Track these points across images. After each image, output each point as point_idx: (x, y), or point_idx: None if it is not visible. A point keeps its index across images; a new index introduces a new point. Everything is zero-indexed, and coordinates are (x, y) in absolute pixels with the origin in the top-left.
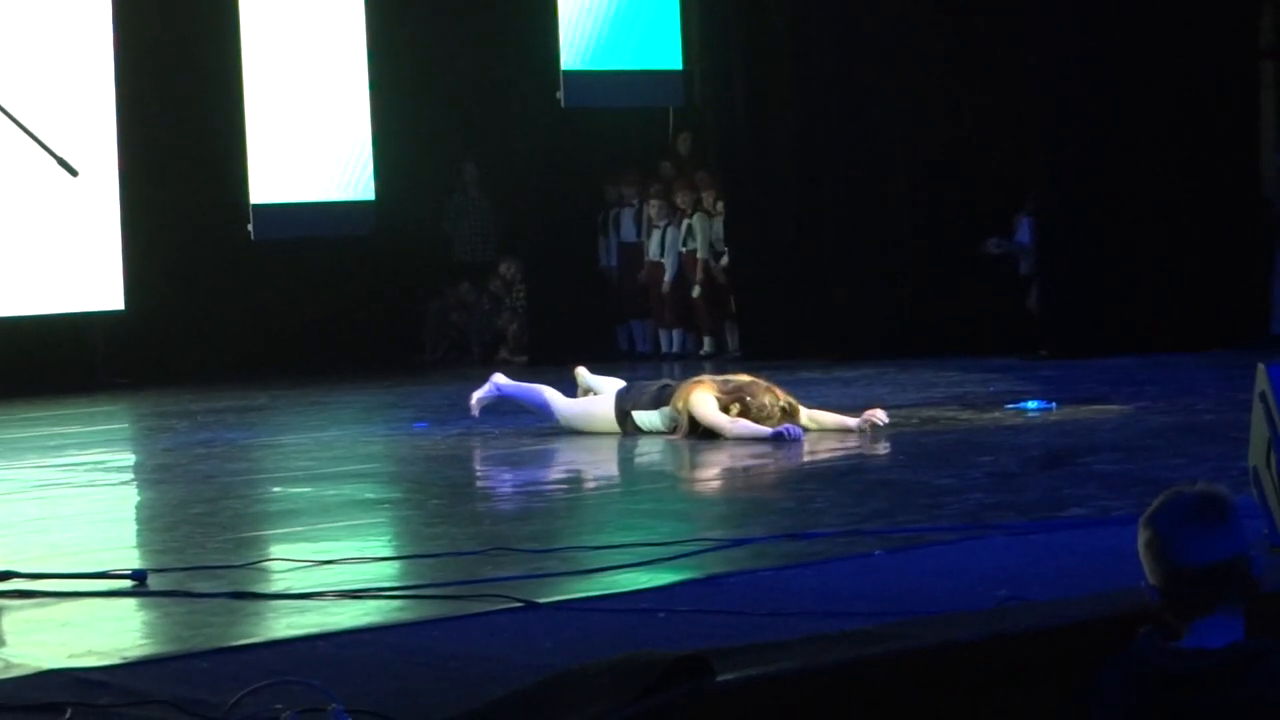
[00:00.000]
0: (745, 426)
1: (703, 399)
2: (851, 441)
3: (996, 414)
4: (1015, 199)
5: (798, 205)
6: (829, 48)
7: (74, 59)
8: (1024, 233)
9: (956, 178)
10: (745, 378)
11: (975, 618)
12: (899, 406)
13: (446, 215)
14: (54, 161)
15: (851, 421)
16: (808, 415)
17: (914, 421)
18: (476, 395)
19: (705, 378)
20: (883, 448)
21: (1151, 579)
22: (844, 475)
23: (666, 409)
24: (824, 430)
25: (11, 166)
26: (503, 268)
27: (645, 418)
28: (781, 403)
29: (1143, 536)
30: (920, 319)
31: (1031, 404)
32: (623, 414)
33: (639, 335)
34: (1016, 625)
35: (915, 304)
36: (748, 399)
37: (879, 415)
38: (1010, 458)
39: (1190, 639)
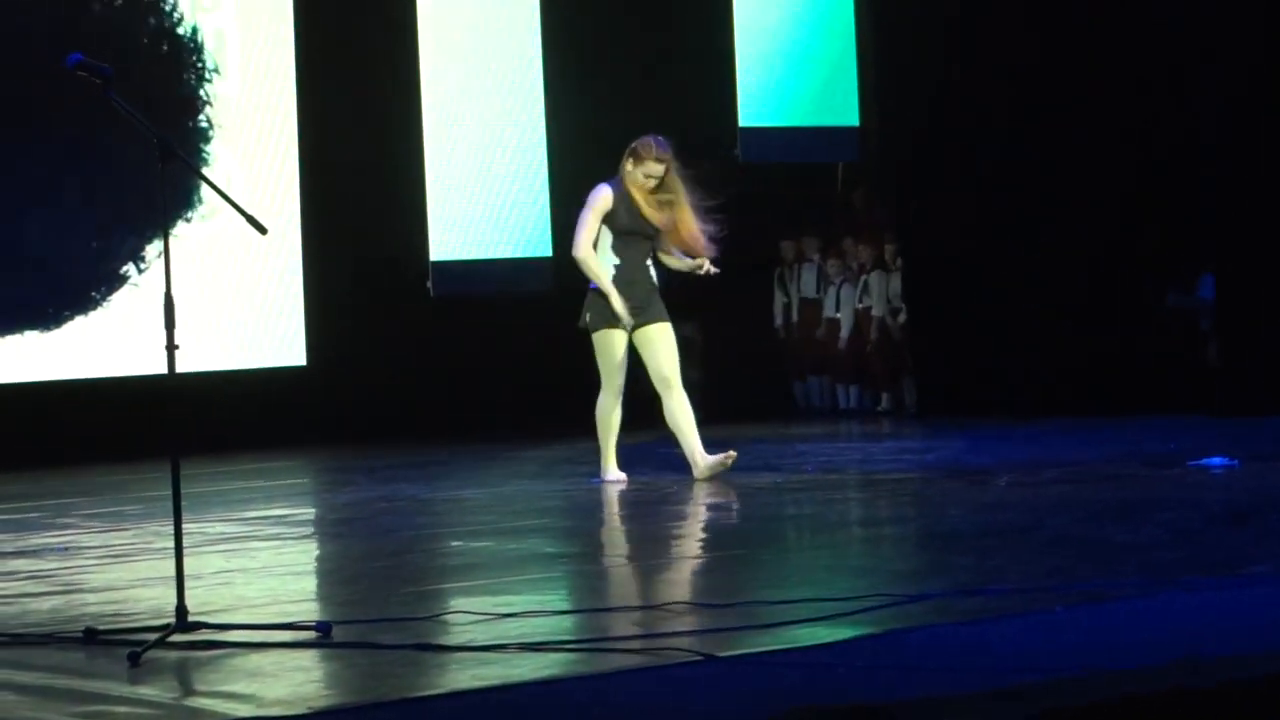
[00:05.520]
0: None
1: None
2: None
3: (1178, 470)
4: (1197, 254)
5: (975, 261)
6: (1006, 103)
7: (260, 119)
8: (1206, 288)
9: (1137, 231)
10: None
11: (1156, 673)
12: (1079, 463)
13: None
14: (244, 220)
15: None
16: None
17: (1094, 478)
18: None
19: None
20: (1062, 504)
21: None
22: (1023, 531)
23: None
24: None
25: (203, 225)
26: (687, 330)
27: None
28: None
29: None
30: (1100, 375)
31: (1215, 461)
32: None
33: (815, 392)
34: (1197, 681)
35: (1094, 360)
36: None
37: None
38: (1192, 514)
39: None
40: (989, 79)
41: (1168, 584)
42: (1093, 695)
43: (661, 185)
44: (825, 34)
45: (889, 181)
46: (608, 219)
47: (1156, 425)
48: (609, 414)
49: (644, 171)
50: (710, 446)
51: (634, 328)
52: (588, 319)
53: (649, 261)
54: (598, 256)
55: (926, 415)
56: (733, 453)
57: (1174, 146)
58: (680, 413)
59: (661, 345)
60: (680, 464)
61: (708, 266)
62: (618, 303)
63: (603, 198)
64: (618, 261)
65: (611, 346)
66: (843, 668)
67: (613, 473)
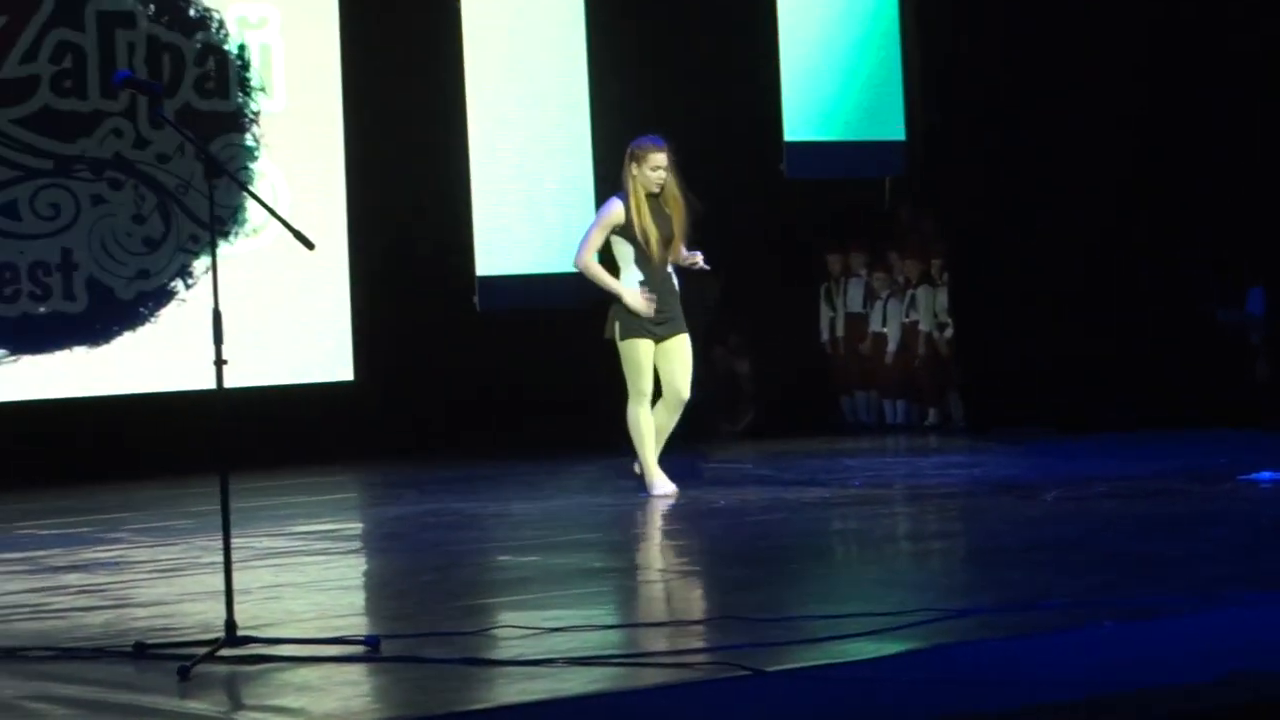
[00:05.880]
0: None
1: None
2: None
3: (1228, 485)
4: (1246, 268)
5: (1022, 276)
6: (1058, 117)
7: (306, 135)
8: (1255, 302)
9: (1186, 248)
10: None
11: (1207, 689)
12: (1127, 478)
13: None
14: (291, 235)
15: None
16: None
17: (1143, 492)
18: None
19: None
20: (1110, 519)
21: None
22: (1073, 546)
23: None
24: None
25: (250, 241)
26: (732, 340)
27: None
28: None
29: None
30: (1148, 390)
31: (1264, 475)
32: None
33: (862, 406)
34: (1248, 696)
35: (1143, 375)
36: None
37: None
38: (1243, 529)
39: None
40: (1041, 92)
41: (1218, 599)
42: (1143, 711)
43: (664, 190)
44: (869, 46)
45: (937, 195)
46: (624, 232)
47: (1206, 439)
48: (641, 422)
49: (650, 166)
50: (756, 459)
51: (659, 339)
52: (617, 328)
53: (670, 269)
54: (623, 273)
55: (974, 430)
56: (676, 499)
57: (1224, 160)
58: (667, 425)
59: (680, 360)
60: (729, 477)
61: (700, 263)
62: (631, 298)
63: (613, 211)
64: (642, 277)
65: (639, 355)
66: (890, 683)
67: (660, 485)
